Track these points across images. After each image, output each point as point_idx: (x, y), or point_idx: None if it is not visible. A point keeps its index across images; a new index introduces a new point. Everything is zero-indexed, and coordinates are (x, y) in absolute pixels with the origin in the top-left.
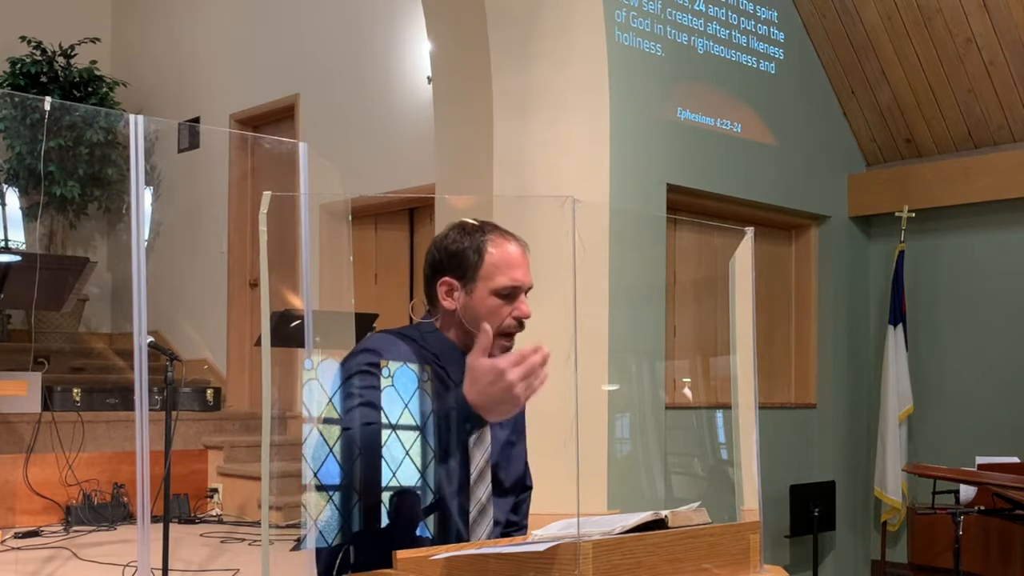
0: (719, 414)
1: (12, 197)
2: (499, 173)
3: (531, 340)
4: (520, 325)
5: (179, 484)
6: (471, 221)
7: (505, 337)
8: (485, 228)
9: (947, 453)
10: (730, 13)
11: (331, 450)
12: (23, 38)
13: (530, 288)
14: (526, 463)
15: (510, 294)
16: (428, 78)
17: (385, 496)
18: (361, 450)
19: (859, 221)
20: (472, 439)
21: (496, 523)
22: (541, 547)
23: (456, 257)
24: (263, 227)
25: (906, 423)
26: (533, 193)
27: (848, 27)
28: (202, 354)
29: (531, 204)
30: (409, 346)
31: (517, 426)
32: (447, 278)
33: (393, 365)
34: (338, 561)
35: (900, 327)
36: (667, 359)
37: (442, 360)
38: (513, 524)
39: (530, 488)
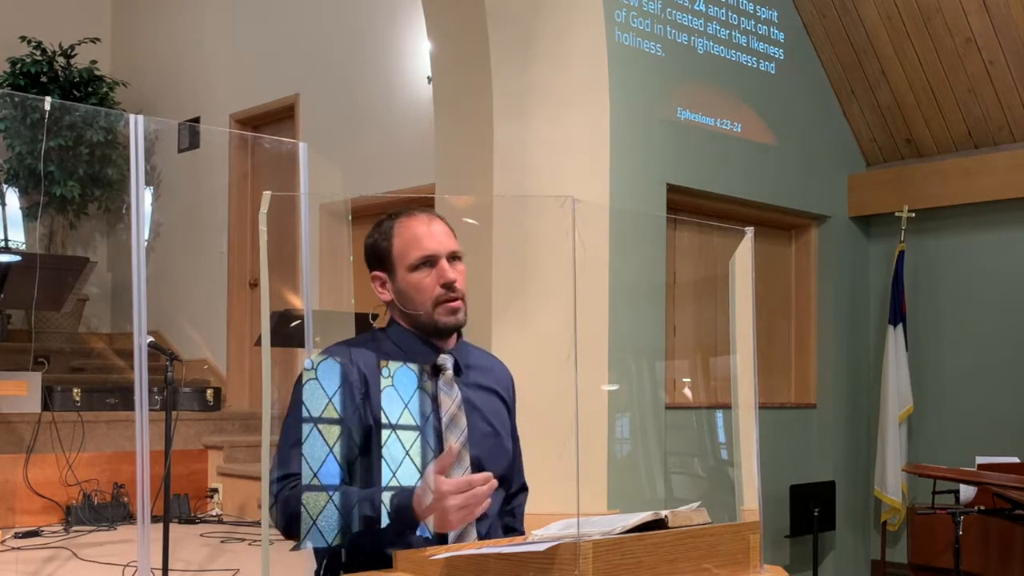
0: (719, 414)
1: (12, 197)
2: (499, 173)
3: (532, 340)
4: (451, 289)
5: (179, 484)
6: (387, 214)
7: (442, 304)
8: (393, 215)
9: (947, 453)
10: (730, 13)
11: (330, 450)
12: (23, 38)
13: (454, 254)
14: (519, 462)
15: (426, 264)
16: (428, 78)
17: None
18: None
19: (859, 221)
20: (444, 423)
21: (484, 515)
22: (541, 547)
23: (373, 250)
24: (263, 227)
25: (906, 423)
26: (533, 193)
27: (848, 27)
28: (202, 354)
29: (531, 204)
30: (373, 339)
31: (500, 419)
32: (375, 272)
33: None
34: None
35: (900, 327)
36: (667, 359)
37: (404, 348)
38: (511, 530)
39: (526, 490)
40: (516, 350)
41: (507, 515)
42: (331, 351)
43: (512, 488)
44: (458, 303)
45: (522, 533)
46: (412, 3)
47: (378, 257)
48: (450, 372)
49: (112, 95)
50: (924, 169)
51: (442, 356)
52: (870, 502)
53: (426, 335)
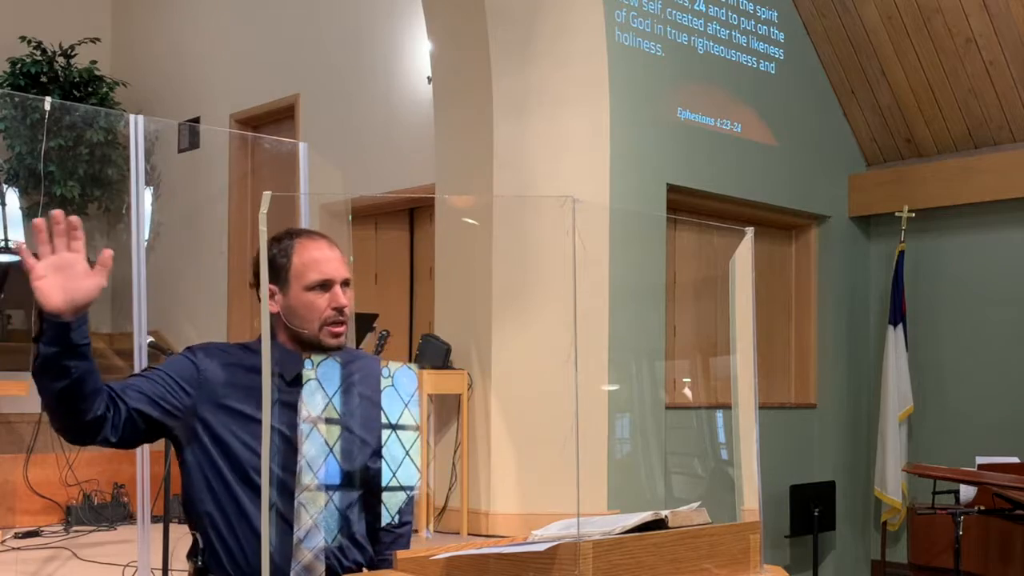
0: (719, 414)
1: (12, 197)
2: (499, 173)
3: (532, 340)
4: (340, 313)
5: (179, 484)
6: (284, 230)
7: (329, 327)
8: (292, 233)
9: (947, 453)
10: (730, 13)
11: (330, 450)
12: (23, 38)
13: (348, 281)
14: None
15: (322, 286)
16: (428, 78)
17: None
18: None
19: (859, 221)
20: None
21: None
22: (541, 547)
23: (269, 265)
24: (263, 227)
25: (906, 423)
26: (533, 193)
27: (848, 27)
28: None
29: (531, 204)
30: (236, 347)
31: (367, 424)
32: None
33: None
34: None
35: (900, 327)
36: (667, 359)
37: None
38: (392, 524)
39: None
40: (516, 350)
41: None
42: (203, 346)
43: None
44: (343, 327)
45: (407, 523)
46: (412, 3)
47: (274, 272)
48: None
49: (112, 95)
50: (924, 169)
51: (307, 368)
52: (870, 502)
53: (302, 349)
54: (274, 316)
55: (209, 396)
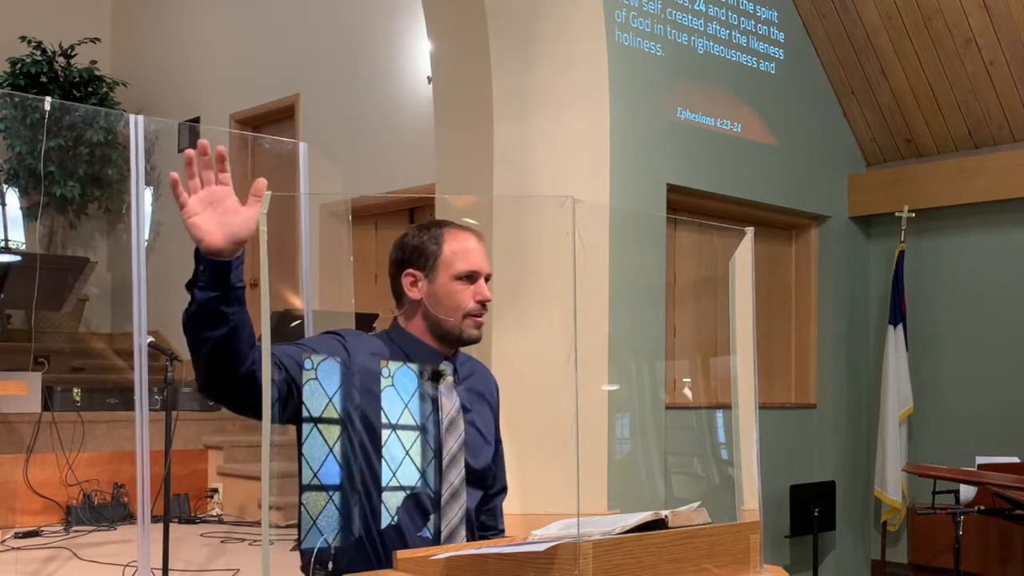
0: (719, 414)
1: (12, 197)
2: (499, 173)
3: (532, 340)
4: (483, 307)
5: (179, 484)
6: (430, 220)
7: (472, 318)
8: (442, 223)
9: (947, 453)
10: (730, 13)
11: (331, 450)
12: (23, 38)
13: (489, 275)
14: (501, 463)
15: (469, 277)
16: (428, 78)
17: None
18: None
19: (859, 221)
20: (444, 426)
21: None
22: (541, 547)
23: (417, 250)
24: (263, 227)
25: (906, 423)
26: (533, 193)
27: (848, 27)
28: None
29: (531, 204)
30: (378, 338)
31: (486, 423)
32: (411, 270)
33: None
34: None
35: (900, 327)
36: (667, 359)
37: (410, 354)
38: (489, 528)
39: (505, 490)
40: (516, 350)
41: (485, 514)
42: (347, 331)
43: (494, 488)
44: (483, 320)
45: (502, 531)
46: (412, 3)
47: (421, 257)
48: (451, 378)
49: (112, 95)
50: (924, 169)
51: (444, 363)
52: (870, 502)
53: (438, 341)
54: (415, 303)
55: (357, 381)
